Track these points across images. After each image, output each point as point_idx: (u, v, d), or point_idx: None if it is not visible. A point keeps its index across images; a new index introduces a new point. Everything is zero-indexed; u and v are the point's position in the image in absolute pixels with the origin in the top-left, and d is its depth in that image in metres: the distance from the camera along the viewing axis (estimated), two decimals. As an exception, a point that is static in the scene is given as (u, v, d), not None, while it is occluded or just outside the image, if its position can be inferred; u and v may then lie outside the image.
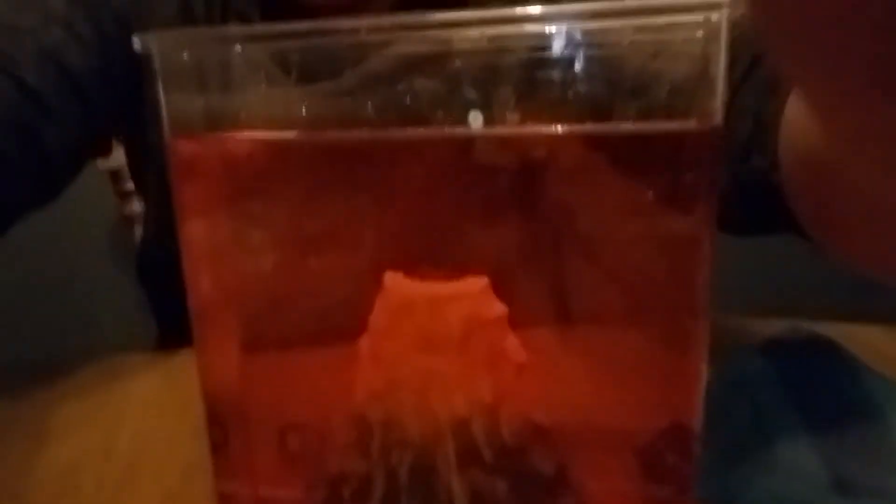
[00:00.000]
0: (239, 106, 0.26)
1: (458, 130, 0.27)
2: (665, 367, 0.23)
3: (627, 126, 0.25)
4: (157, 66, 0.26)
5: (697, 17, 0.22)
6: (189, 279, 0.28)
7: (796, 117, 0.27)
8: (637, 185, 0.24)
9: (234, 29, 0.25)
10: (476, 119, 0.26)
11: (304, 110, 0.28)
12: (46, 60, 0.35)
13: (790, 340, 0.32)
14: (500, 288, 0.25)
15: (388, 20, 0.24)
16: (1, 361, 0.45)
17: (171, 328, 0.50)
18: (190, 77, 0.26)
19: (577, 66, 0.25)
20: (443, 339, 0.24)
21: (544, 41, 0.24)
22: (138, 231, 0.83)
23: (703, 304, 0.23)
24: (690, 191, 0.23)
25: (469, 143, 0.26)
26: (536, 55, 0.25)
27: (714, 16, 0.22)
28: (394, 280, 0.25)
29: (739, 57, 0.32)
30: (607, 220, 0.25)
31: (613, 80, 0.25)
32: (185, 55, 0.25)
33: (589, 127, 0.25)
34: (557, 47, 0.25)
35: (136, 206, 0.82)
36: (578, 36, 0.24)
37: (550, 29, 0.24)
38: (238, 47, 0.25)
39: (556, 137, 0.25)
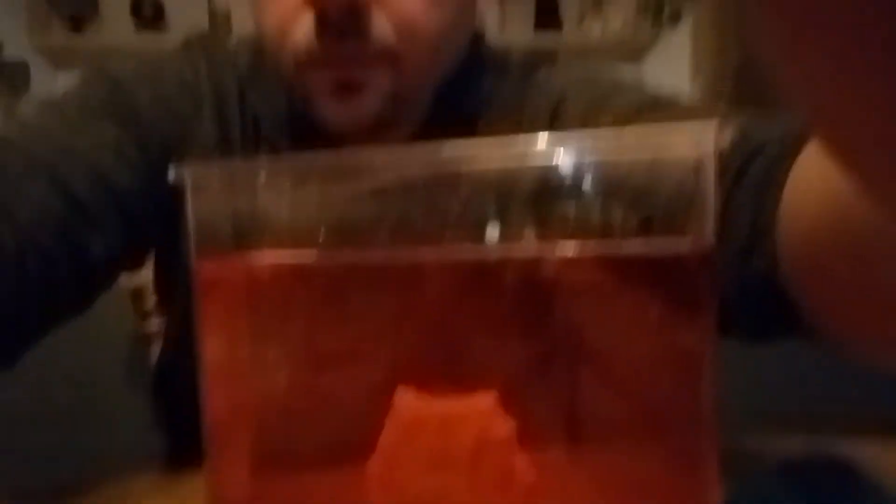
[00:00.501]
0: (262, 230, 0.28)
1: (469, 250, 0.28)
2: (676, 488, 0.23)
3: (626, 246, 0.27)
4: (189, 194, 0.28)
5: (688, 143, 0.24)
6: (205, 395, 0.28)
7: (804, 197, 0.27)
8: (638, 302, 0.25)
9: (260, 162, 0.27)
10: (493, 231, 0.27)
11: (322, 224, 0.29)
12: (96, 179, 0.38)
13: (809, 464, 0.31)
14: (510, 403, 0.25)
15: (402, 153, 0.26)
16: (8, 483, 0.45)
17: (184, 446, 0.50)
18: (217, 204, 0.28)
19: (581, 187, 0.26)
20: (453, 458, 0.24)
21: (551, 165, 0.26)
22: (154, 350, 0.84)
23: (711, 418, 0.23)
24: (690, 306, 0.24)
25: (480, 262, 0.28)
26: (544, 177, 0.26)
27: (703, 142, 0.24)
28: (404, 398, 0.25)
29: (731, 162, 0.33)
30: (611, 337, 0.26)
31: (614, 199, 0.26)
32: (215, 185, 0.27)
33: (587, 246, 0.26)
34: (564, 170, 0.26)
35: (155, 325, 0.84)
36: (582, 160, 0.26)
37: (557, 153, 0.26)
38: (263, 177, 0.27)
39: (559, 257, 0.26)
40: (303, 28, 0.37)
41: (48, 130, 0.39)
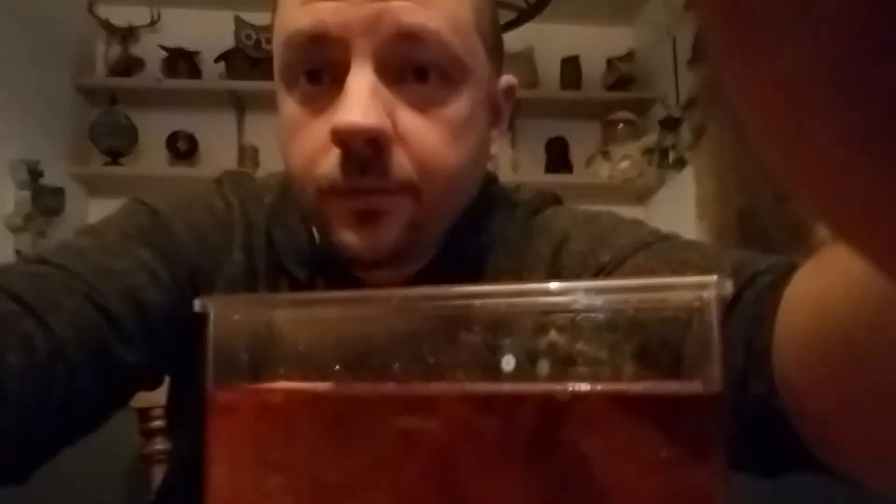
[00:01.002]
0: (277, 362, 0.29)
1: (479, 386, 0.28)
2: None
3: (635, 388, 0.27)
4: (211, 325, 0.29)
5: (692, 290, 0.25)
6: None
7: (798, 318, 0.27)
8: (648, 443, 0.25)
9: (279, 296, 0.29)
10: (509, 363, 0.28)
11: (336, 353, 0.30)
12: (129, 298, 0.40)
13: None
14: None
15: (416, 292, 0.27)
16: None
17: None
18: (237, 335, 0.29)
19: (587, 332, 0.27)
20: None
21: (557, 310, 0.27)
22: (157, 470, 0.82)
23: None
24: (699, 449, 0.24)
25: (489, 398, 0.28)
26: (550, 322, 0.27)
27: (705, 294, 0.25)
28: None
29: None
30: (621, 477, 0.26)
31: (621, 343, 0.27)
32: (236, 316, 0.29)
33: (595, 386, 0.27)
34: (573, 313, 0.27)
35: (158, 444, 0.83)
36: (587, 304, 0.27)
37: (564, 299, 0.27)
38: (282, 311, 0.28)
39: (569, 396, 0.27)
40: (329, 163, 0.39)
41: (87, 250, 0.41)
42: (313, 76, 0.40)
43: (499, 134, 0.47)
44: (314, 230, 0.46)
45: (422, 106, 0.39)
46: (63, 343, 0.36)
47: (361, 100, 0.37)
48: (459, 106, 0.40)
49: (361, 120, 0.36)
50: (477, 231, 0.47)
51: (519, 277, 0.47)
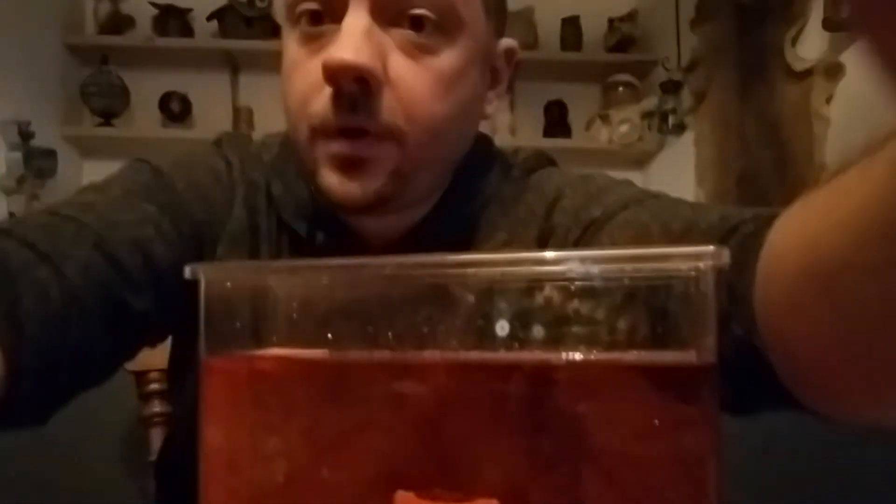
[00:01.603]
0: (270, 329, 0.29)
1: (472, 354, 0.28)
2: None
3: (630, 356, 0.27)
4: (202, 292, 0.29)
5: (687, 264, 0.25)
6: (203, 484, 0.28)
7: (782, 255, 0.29)
8: (642, 410, 0.25)
9: (271, 263, 0.28)
10: (503, 329, 0.28)
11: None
12: (137, 248, 0.41)
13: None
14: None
15: (410, 260, 0.26)
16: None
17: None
18: (229, 303, 0.29)
19: (586, 298, 0.27)
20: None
21: (552, 278, 0.27)
22: (154, 433, 0.83)
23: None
24: (694, 416, 0.24)
25: (483, 366, 0.28)
26: (550, 288, 0.27)
27: (702, 264, 0.25)
28: (405, 502, 0.25)
29: (710, 239, 0.35)
30: (615, 444, 0.26)
31: (618, 310, 0.27)
32: (228, 284, 0.28)
33: (591, 354, 0.26)
34: (570, 282, 0.27)
35: (156, 407, 0.83)
36: (583, 273, 0.27)
37: (559, 268, 0.27)
38: (274, 279, 0.27)
39: (564, 365, 0.27)
40: (320, 101, 0.40)
41: (95, 204, 0.42)
42: (315, 17, 0.40)
43: (496, 96, 0.47)
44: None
45: (414, 53, 0.40)
46: (76, 289, 0.37)
47: (354, 39, 0.38)
48: (452, 56, 0.40)
49: (352, 57, 0.37)
50: (472, 188, 0.47)
51: (513, 234, 0.47)
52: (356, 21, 0.38)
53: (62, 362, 0.37)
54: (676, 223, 0.39)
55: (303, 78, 0.41)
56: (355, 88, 0.38)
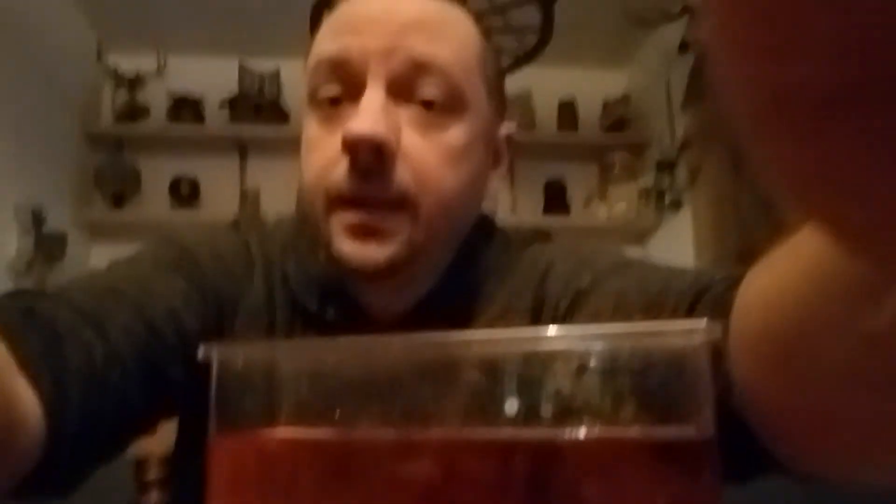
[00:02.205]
0: (280, 409, 0.29)
1: (478, 431, 0.29)
2: None
3: (630, 431, 0.28)
4: (214, 372, 0.30)
5: (682, 335, 0.26)
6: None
7: (752, 310, 0.30)
8: (644, 485, 0.26)
9: (282, 343, 0.29)
10: (512, 407, 0.28)
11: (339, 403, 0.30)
12: (171, 318, 0.43)
13: None
14: None
15: (417, 338, 0.28)
16: None
17: None
18: (241, 382, 0.29)
19: (581, 377, 0.28)
20: None
21: (557, 355, 0.28)
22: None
23: None
24: (695, 490, 0.25)
25: (488, 443, 0.28)
26: (548, 363, 0.28)
27: (695, 339, 0.26)
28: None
29: (682, 301, 0.37)
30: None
31: (616, 386, 0.28)
32: (239, 364, 0.29)
33: (592, 433, 0.27)
34: (569, 358, 0.28)
35: (153, 498, 0.82)
36: (584, 350, 0.28)
37: (559, 345, 0.28)
38: (285, 359, 0.28)
39: (566, 441, 0.27)
40: (338, 172, 0.43)
41: (128, 275, 0.45)
42: (334, 101, 0.44)
43: (497, 176, 0.50)
44: (322, 258, 0.49)
45: (425, 129, 0.43)
46: (119, 352, 0.39)
47: (372, 113, 0.41)
48: (459, 133, 0.44)
49: (370, 128, 0.40)
50: (474, 262, 0.50)
51: (508, 304, 0.49)
52: (373, 97, 0.42)
53: (100, 428, 0.38)
54: (654, 287, 0.41)
55: (321, 153, 0.44)
56: (371, 158, 0.41)
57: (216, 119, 2.41)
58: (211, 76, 2.40)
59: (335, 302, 0.48)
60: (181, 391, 0.43)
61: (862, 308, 0.21)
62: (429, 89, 0.43)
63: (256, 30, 2.31)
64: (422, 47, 0.42)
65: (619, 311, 0.41)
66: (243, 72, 2.37)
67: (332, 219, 0.44)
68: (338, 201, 0.43)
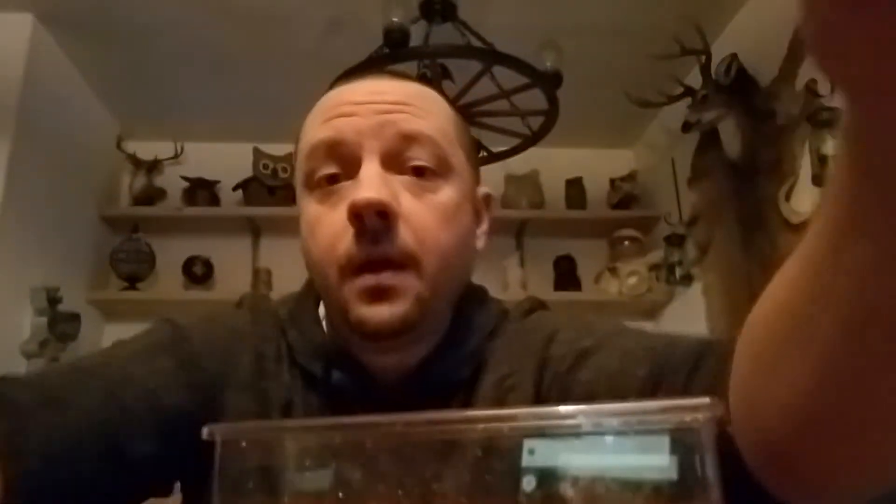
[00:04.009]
0: (284, 488, 0.29)
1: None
2: None
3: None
4: (218, 451, 0.30)
5: (688, 416, 0.26)
6: None
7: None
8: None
9: (285, 422, 0.29)
10: (530, 483, 0.28)
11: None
12: (147, 396, 0.45)
13: None
14: None
15: (420, 417, 0.28)
16: None
17: None
18: (244, 462, 0.29)
19: (592, 453, 0.28)
20: None
21: (560, 432, 0.28)
22: None
23: None
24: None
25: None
26: (556, 445, 0.28)
27: (700, 415, 0.25)
28: None
29: (678, 374, 0.39)
30: None
31: (625, 468, 0.27)
32: (243, 444, 0.29)
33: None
34: (573, 435, 0.28)
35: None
36: (590, 426, 0.28)
37: (568, 422, 0.28)
38: (288, 439, 0.28)
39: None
40: (345, 242, 0.46)
41: (114, 357, 0.47)
42: (331, 179, 0.48)
43: (482, 234, 0.54)
44: (324, 326, 0.53)
45: (419, 193, 0.47)
46: (78, 432, 0.40)
47: (373, 181, 0.45)
48: (449, 194, 0.49)
49: (375, 194, 0.44)
50: (471, 324, 0.53)
51: (513, 366, 0.51)
52: (371, 169, 0.46)
53: (63, 499, 0.39)
54: (659, 343, 0.44)
55: (327, 228, 0.47)
56: (377, 222, 0.45)
57: (230, 201, 2.47)
58: (225, 160, 2.48)
59: (339, 365, 0.50)
60: (161, 465, 0.45)
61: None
62: (419, 158, 0.47)
63: (269, 117, 2.41)
64: (408, 122, 0.47)
65: (625, 366, 0.43)
66: (257, 154, 2.45)
67: (346, 287, 0.46)
68: (349, 268, 0.46)
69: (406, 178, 0.47)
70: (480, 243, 0.53)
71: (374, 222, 0.44)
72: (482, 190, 0.55)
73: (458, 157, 0.50)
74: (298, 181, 0.51)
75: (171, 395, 0.46)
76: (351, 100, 0.48)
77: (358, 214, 0.44)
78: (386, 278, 0.45)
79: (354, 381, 0.49)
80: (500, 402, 0.48)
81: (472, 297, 0.54)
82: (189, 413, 0.46)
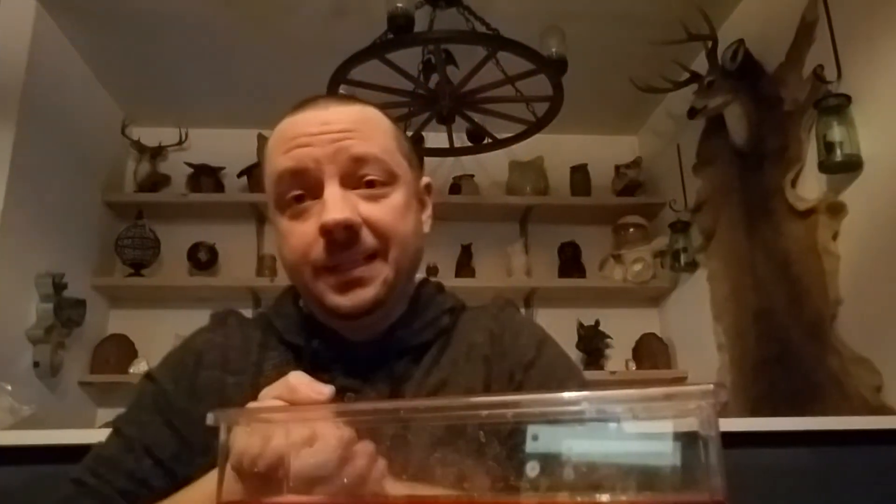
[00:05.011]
0: (287, 475, 0.29)
1: (485, 497, 0.28)
2: None
3: (643, 498, 0.27)
4: (222, 436, 0.30)
5: (691, 404, 0.26)
6: None
7: None
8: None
9: (287, 409, 0.30)
10: (534, 469, 0.28)
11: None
12: (147, 451, 0.56)
13: None
14: None
15: (423, 403, 0.28)
16: None
17: None
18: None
19: (596, 439, 0.28)
20: None
21: (564, 418, 0.28)
22: None
23: None
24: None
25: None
26: (562, 429, 0.28)
27: (703, 404, 0.25)
28: None
29: None
30: None
31: (624, 454, 0.27)
32: (247, 429, 0.29)
33: (602, 500, 0.27)
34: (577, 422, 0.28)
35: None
36: (594, 412, 0.28)
37: (571, 408, 0.28)
38: (291, 425, 0.29)
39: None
40: (317, 250, 0.55)
41: (127, 430, 0.59)
42: (298, 198, 0.57)
43: (428, 217, 0.65)
44: (302, 306, 0.63)
45: (373, 199, 0.57)
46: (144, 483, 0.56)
47: (336, 203, 0.55)
48: (397, 197, 0.59)
49: (340, 215, 0.54)
50: (431, 301, 0.65)
51: (477, 340, 0.61)
52: (333, 191, 0.56)
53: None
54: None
55: (298, 238, 0.57)
56: (343, 235, 0.54)
57: (235, 187, 2.47)
58: (230, 146, 2.48)
59: (318, 335, 0.60)
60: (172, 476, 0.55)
61: None
62: (369, 174, 0.57)
63: (274, 103, 2.39)
64: (357, 147, 0.57)
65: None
66: (261, 141, 2.45)
67: (319, 282, 0.56)
68: (321, 269, 0.56)
69: (361, 190, 0.57)
70: (427, 226, 0.65)
71: (341, 235, 0.54)
72: (424, 180, 0.66)
73: (401, 165, 0.60)
74: (270, 202, 0.60)
75: (163, 445, 0.57)
76: (305, 131, 0.57)
77: (328, 231, 0.54)
78: (355, 272, 0.55)
79: (331, 348, 0.59)
80: (463, 368, 0.58)
81: (432, 285, 0.67)
82: (184, 451, 0.57)
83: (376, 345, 0.59)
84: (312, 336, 0.60)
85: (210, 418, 0.30)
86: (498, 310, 0.65)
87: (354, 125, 0.58)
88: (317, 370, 0.53)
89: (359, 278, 0.55)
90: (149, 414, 0.60)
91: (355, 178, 0.57)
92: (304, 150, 0.57)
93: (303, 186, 0.57)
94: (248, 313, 0.71)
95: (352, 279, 0.55)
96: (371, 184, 0.57)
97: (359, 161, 0.57)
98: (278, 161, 0.58)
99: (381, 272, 0.56)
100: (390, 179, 0.58)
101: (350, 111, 0.60)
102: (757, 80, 1.83)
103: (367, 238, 0.56)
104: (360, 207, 0.56)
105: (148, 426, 0.59)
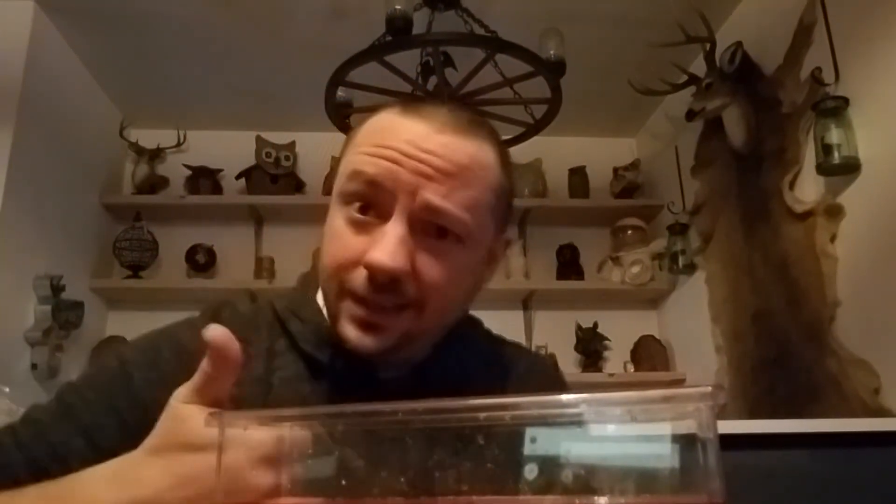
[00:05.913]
0: (286, 476, 0.29)
1: (485, 499, 0.28)
2: None
3: (645, 499, 0.27)
4: (220, 438, 0.30)
5: (690, 405, 0.26)
6: None
7: None
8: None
9: (287, 411, 0.30)
10: (532, 471, 0.28)
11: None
12: (85, 434, 0.51)
13: None
14: None
15: (422, 405, 0.28)
16: None
17: None
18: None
19: (594, 441, 0.28)
20: None
21: (563, 420, 0.28)
22: None
23: None
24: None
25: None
26: (560, 431, 0.28)
27: (702, 406, 0.25)
28: None
29: None
30: None
31: (622, 456, 0.27)
32: (246, 430, 0.29)
33: (613, 502, 0.27)
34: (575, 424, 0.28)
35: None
36: (592, 415, 0.28)
37: (569, 410, 0.28)
38: (291, 427, 0.28)
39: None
40: (356, 276, 0.49)
41: (73, 407, 0.52)
42: (363, 209, 0.51)
43: (491, 272, 0.58)
44: (322, 307, 0.55)
45: (435, 254, 0.50)
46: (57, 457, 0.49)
47: (393, 246, 0.48)
48: (464, 258, 0.52)
49: (390, 263, 0.47)
50: (465, 340, 0.59)
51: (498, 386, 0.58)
52: (396, 231, 0.49)
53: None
54: None
55: (343, 248, 0.51)
56: (385, 279, 0.48)
57: (233, 189, 2.47)
58: (228, 148, 2.48)
59: (344, 354, 0.52)
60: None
61: None
62: (443, 225, 0.50)
63: (272, 105, 2.40)
64: (442, 198, 0.49)
65: None
66: (260, 143, 2.45)
67: (343, 305, 0.50)
68: (350, 294, 0.50)
69: (427, 239, 0.50)
70: (487, 282, 0.57)
71: (384, 279, 0.48)
72: (507, 235, 0.58)
73: (484, 226, 0.52)
74: (336, 188, 0.54)
75: (111, 437, 0.50)
76: (401, 146, 0.50)
77: (371, 270, 0.48)
78: (381, 317, 0.49)
79: (355, 371, 0.52)
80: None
81: (466, 318, 0.59)
82: (127, 441, 0.47)
83: (403, 379, 0.53)
84: (337, 353, 0.53)
85: (208, 420, 0.29)
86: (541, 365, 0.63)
87: (457, 168, 0.50)
88: (336, 393, 0.52)
89: (381, 325, 0.49)
90: (99, 394, 0.53)
91: (426, 224, 0.50)
92: (388, 165, 0.49)
93: (371, 200, 0.50)
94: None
95: (374, 322, 0.49)
96: (443, 233, 0.50)
97: (435, 212, 0.49)
98: (359, 158, 0.51)
99: (406, 325, 0.50)
100: (464, 237, 0.51)
101: (463, 149, 0.51)
102: (755, 83, 1.84)
103: (410, 289, 0.49)
104: (417, 256, 0.49)
105: (94, 405, 0.52)
